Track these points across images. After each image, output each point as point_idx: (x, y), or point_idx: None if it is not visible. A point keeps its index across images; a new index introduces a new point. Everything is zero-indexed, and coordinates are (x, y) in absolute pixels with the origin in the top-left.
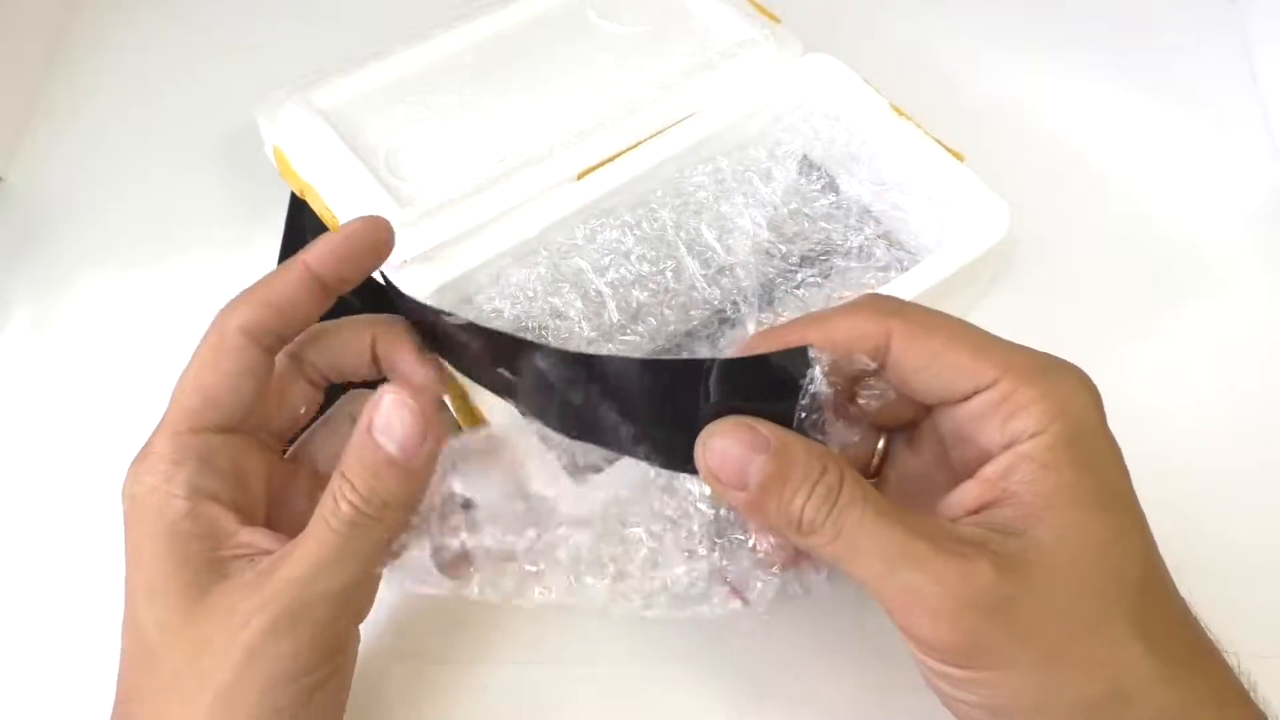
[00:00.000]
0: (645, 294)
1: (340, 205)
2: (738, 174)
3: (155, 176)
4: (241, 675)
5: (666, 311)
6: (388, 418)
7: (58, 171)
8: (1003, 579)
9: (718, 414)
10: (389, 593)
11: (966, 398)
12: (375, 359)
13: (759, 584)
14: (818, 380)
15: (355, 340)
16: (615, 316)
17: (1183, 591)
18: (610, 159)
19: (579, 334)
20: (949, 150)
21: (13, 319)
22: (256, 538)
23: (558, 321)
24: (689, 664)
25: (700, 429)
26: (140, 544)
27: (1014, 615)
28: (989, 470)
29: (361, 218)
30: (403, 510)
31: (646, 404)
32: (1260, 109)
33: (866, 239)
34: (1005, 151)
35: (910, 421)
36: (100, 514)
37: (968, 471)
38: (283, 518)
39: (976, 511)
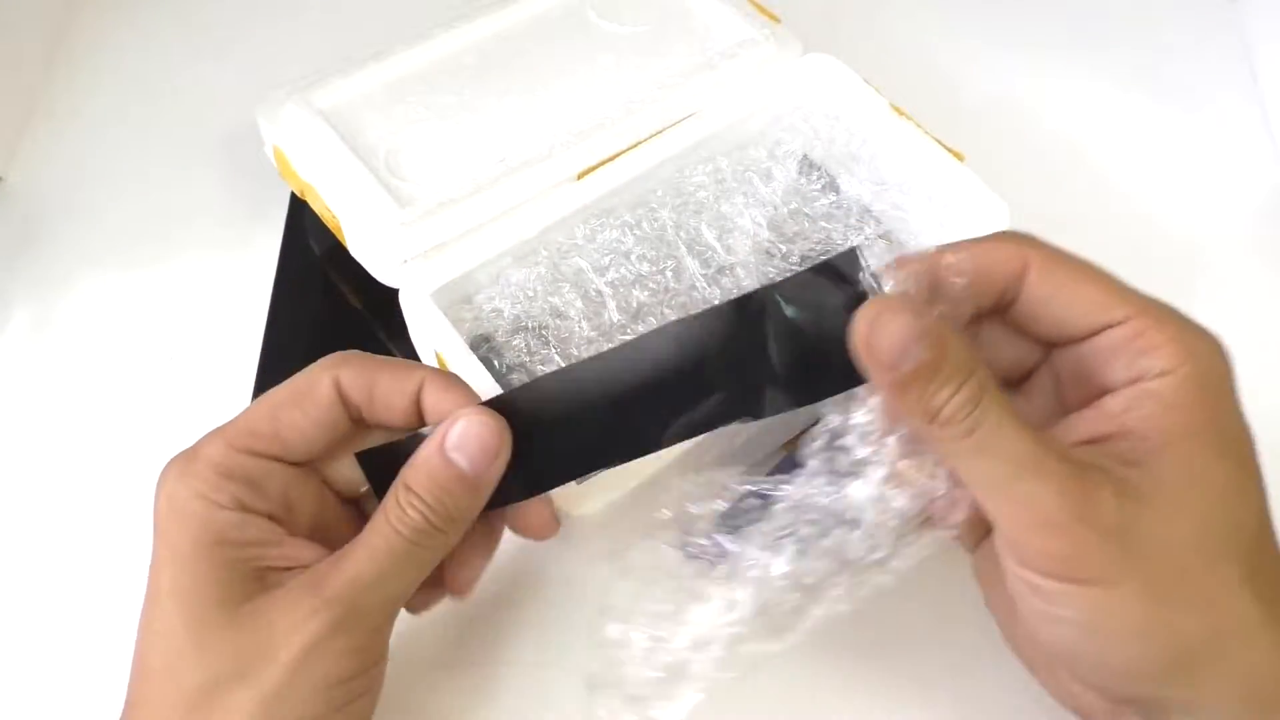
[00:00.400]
0: (645, 294)
1: (340, 205)
2: (738, 174)
3: (155, 177)
4: (294, 675)
5: (667, 311)
6: (463, 436)
7: (58, 171)
8: (1123, 505)
9: (799, 337)
10: None
11: (1095, 333)
12: (418, 409)
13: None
14: (872, 270)
15: (400, 389)
16: (615, 316)
17: None
18: (610, 159)
19: (579, 334)
20: (949, 150)
21: (13, 319)
22: (300, 549)
23: (558, 321)
24: None
25: (779, 361)
26: (178, 546)
27: (1129, 540)
28: (1110, 403)
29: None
30: (464, 525)
31: (715, 360)
32: (1260, 109)
33: (867, 239)
34: (1005, 151)
35: (1024, 374)
36: (100, 513)
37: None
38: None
39: (1090, 442)
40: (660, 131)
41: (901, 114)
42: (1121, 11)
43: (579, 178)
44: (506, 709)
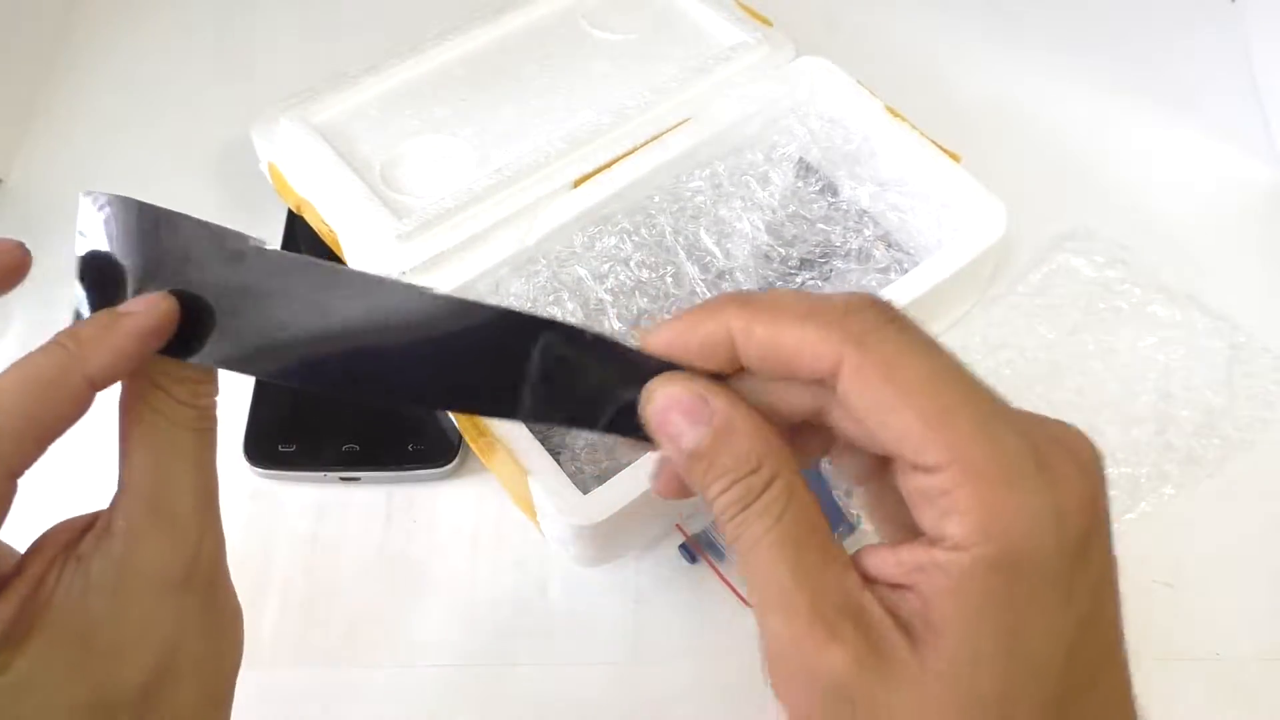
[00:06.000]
0: (645, 300)
1: (337, 219)
2: (735, 178)
3: (154, 185)
4: None
5: (667, 317)
6: None
7: (58, 173)
8: (860, 675)
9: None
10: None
11: (908, 464)
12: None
13: None
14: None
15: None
16: (616, 324)
17: (1189, 595)
18: (606, 166)
19: None
20: (945, 151)
21: (13, 322)
22: None
23: None
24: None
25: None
26: None
27: (858, 712)
28: (906, 555)
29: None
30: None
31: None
32: (1260, 109)
33: (865, 241)
34: (1002, 152)
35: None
36: None
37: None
38: None
39: (891, 585)
40: (656, 137)
41: (897, 116)
42: (1121, 11)
43: (575, 185)
44: (508, 709)
